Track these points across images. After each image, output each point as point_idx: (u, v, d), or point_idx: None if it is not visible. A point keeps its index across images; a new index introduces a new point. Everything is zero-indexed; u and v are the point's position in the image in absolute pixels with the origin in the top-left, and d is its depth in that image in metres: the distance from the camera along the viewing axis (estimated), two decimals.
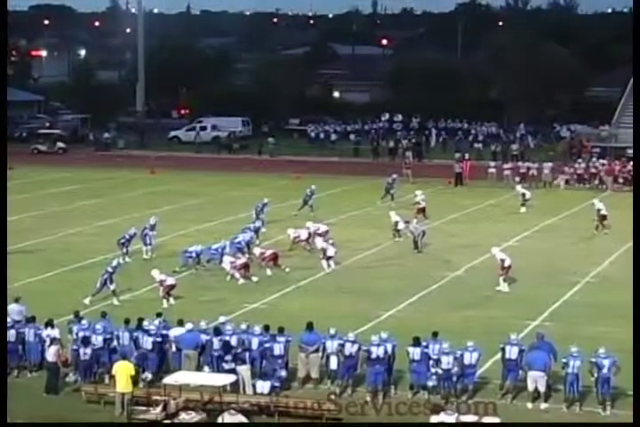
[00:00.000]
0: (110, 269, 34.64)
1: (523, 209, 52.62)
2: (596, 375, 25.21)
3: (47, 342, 27.25)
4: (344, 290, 36.69)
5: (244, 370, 25.92)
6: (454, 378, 25.67)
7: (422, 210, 49.42)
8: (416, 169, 66.66)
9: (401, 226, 44.34)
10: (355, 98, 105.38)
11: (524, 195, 53.13)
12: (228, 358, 26.06)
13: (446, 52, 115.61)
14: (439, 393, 25.81)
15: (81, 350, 26.58)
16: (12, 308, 29.60)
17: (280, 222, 47.69)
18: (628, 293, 35.87)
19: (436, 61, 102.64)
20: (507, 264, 36.57)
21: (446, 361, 25.73)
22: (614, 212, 54.88)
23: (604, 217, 47.85)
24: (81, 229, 47.09)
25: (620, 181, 64.06)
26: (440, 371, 25.77)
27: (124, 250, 40.22)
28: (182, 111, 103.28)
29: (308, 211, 50.21)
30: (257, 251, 39.35)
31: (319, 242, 40.38)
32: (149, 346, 27.02)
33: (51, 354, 26.66)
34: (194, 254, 39.06)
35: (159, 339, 27.20)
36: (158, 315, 28.53)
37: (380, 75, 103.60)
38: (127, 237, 40.40)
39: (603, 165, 66.24)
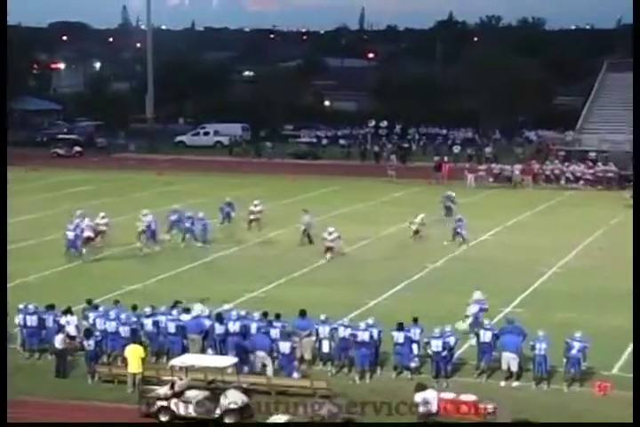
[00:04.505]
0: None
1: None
2: (566, 355, 25.17)
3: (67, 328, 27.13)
4: (335, 281, 36.60)
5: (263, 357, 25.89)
6: (441, 360, 25.69)
7: (416, 232, 44.43)
8: (399, 171, 66.59)
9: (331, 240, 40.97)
10: (343, 106, 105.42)
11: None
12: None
13: (426, 64, 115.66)
14: (421, 373, 25.77)
15: (84, 342, 26.30)
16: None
17: (276, 221, 47.52)
18: (593, 281, 35.99)
19: (417, 73, 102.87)
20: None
21: (435, 344, 25.72)
22: (579, 209, 55.06)
23: None
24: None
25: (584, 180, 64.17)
26: (430, 353, 25.76)
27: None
28: (187, 118, 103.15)
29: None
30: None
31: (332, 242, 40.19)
32: (173, 330, 26.92)
33: (58, 341, 26.44)
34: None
35: (181, 323, 27.09)
36: (177, 302, 28.46)
37: (367, 85, 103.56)
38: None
39: (567, 166, 66.32)
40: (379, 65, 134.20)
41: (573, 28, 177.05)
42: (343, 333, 26.41)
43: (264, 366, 25.85)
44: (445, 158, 69.36)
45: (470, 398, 22.52)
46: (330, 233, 40.01)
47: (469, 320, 28.82)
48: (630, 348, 27.68)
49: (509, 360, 25.51)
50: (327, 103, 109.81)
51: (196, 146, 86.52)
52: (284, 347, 25.79)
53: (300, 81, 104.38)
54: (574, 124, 77.59)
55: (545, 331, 25.70)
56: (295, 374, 25.61)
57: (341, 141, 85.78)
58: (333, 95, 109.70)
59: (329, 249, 39.78)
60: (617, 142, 71.16)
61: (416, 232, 43.73)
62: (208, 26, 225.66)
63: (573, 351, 25.06)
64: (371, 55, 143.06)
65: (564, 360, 25.25)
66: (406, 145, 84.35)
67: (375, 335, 26.14)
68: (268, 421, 22.02)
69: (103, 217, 42.50)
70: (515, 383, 25.37)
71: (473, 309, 29.07)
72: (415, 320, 26.73)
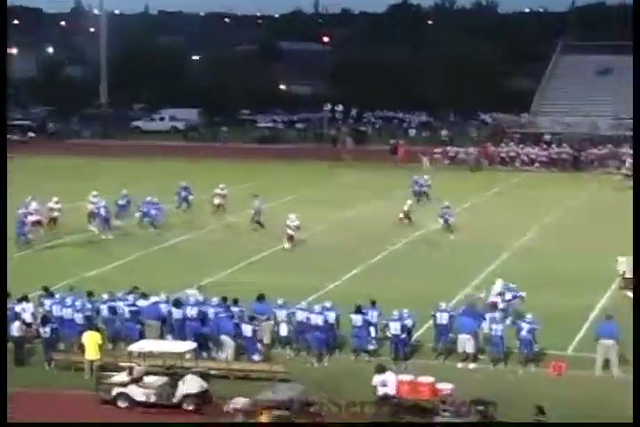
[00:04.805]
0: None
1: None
2: (517, 337, 25.40)
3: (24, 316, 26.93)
4: (293, 265, 36.61)
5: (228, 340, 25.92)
6: (400, 342, 25.84)
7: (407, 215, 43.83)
8: (355, 154, 66.71)
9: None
10: (299, 90, 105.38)
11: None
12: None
13: (381, 48, 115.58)
14: (380, 356, 25.90)
15: (40, 329, 26.14)
16: None
17: (234, 205, 47.41)
18: (549, 262, 36.27)
19: (372, 57, 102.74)
20: None
21: (394, 327, 25.86)
22: (534, 191, 55.50)
23: None
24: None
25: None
26: (389, 335, 25.89)
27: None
28: (142, 103, 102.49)
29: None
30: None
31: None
32: (129, 316, 26.84)
33: (15, 329, 26.17)
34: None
35: (137, 309, 27.01)
36: (135, 288, 28.37)
37: (322, 69, 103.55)
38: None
39: (522, 148, 66.79)
40: (334, 49, 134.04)
41: (527, 10, 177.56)
42: (300, 316, 26.49)
43: (226, 350, 25.87)
44: (401, 141, 69.59)
45: (428, 379, 22.63)
46: (292, 220, 39.69)
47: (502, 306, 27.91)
48: (585, 328, 28.03)
49: (465, 342, 25.69)
50: (283, 87, 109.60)
51: (152, 131, 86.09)
52: (247, 330, 25.83)
53: (256, 65, 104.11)
54: (529, 107, 78.13)
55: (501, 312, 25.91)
56: (257, 357, 25.67)
57: (298, 125, 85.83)
58: (289, 79, 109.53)
59: (290, 238, 39.41)
60: (571, 124, 71.81)
61: (407, 217, 43.31)
62: (162, 9, 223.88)
63: (523, 333, 25.25)
64: (326, 39, 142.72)
65: (517, 342, 25.48)
66: (363, 128, 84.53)
67: (330, 319, 26.21)
68: (228, 405, 22.02)
69: (57, 202, 42.21)
70: (471, 365, 25.56)
71: (507, 296, 28.33)
72: (373, 303, 26.86)
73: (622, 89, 77.17)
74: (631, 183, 54.19)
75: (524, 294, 28.63)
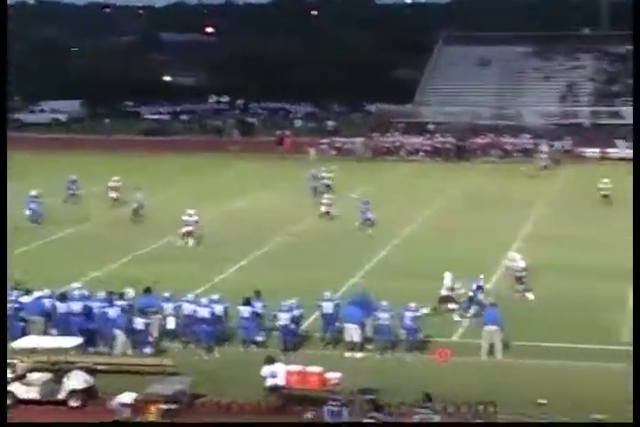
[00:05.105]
0: None
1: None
2: (401, 325, 25.72)
3: None
4: (181, 257, 36.40)
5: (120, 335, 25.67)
6: (289, 333, 25.94)
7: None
8: (242, 145, 66.60)
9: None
10: (183, 82, 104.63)
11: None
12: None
13: (266, 38, 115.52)
14: (268, 347, 25.95)
15: None
16: None
17: (122, 198, 46.86)
18: (433, 251, 36.78)
19: (257, 47, 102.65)
20: None
21: (283, 318, 25.94)
22: (420, 180, 56.20)
23: None
24: None
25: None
26: (278, 326, 25.98)
27: None
28: (23, 95, 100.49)
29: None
30: None
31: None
32: (12, 312, 26.31)
33: None
34: None
35: (18, 305, 26.55)
36: (17, 284, 27.85)
37: (207, 60, 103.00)
38: None
39: (407, 138, 67.60)
40: (218, 40, 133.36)
41: (409, 1, 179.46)
42: (187, 309, 26.37)
43: (118, 344, 25.67)
44: (287, 132, 69.71)
45: (316, 369, 22.79)
46: (190, 215, 39.03)
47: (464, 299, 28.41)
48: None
49: (352, 331, 25.90)
50: (167, 79, 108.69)
51: (33, 123, 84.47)
52: (138, 323, 25.61)
53: (138, 56, 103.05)
54: (413, 97, 79.00)
55: (387, 301, 26.18)
56: (149, 350, 25.51)
57: (183, 117, 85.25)
58: (173, 71, 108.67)
59: (189, 233, 38.62)
60: (453, 114, 72.90)
61: (327, 213, 42.98)
62: None
63: (407, 321, 25.60)
64: (210, 30, 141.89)
65: (402, 330, 25.78)
66: (250, 120, 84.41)
67: (217, 311, 26.18)
68: (115, 400, 21.82)
69: None
70: (358, 354, 25.79)
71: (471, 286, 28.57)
72: (258, 294, 26.87)
73: (502, 79, 78.79)
74: (540, 172, 55.41)
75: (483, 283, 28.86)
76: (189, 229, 38.64)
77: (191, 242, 38.40)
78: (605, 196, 46.64)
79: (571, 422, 20.27)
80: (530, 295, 30.47)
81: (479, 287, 28.82)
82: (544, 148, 61.49)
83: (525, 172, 55.87)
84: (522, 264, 30.96)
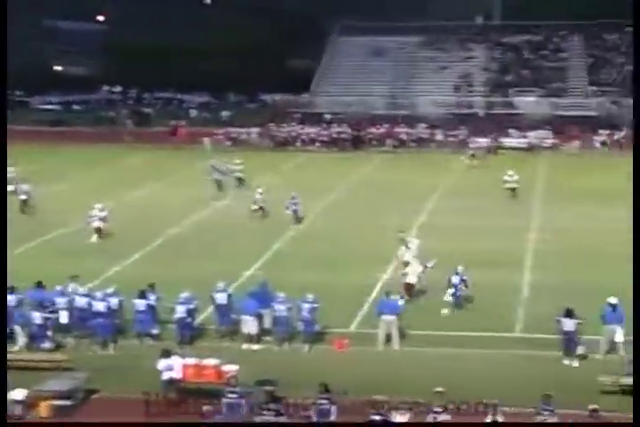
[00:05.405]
0: None
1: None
2: (298, 317, 25.75)
3: None
4: (78, 251, 35.86)
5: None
6: (185, 325, 25.83)
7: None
8: (136, 136, 65.95)
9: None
10: (75, 71, 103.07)
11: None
12: None
13: (159, 27, 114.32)
14: (164, 340, 25.78)
15: None
16: None
17: None
18: (329, 243, 36.96)
19: (150, 36, 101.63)
20: None
21: (179, 310, 25.81)
22: (316, 171, 56.40)
23: None
24: None
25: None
26: (174, 319, 25.84)
27: None
28: None
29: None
30: None
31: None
32: None
33: None
34: None
35: None
36: None
37: (98, 49, 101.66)
38: None
39: (303, 129, 67.78)
40: (110, 28, 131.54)
41: None
42: (81, 303, 26.06)
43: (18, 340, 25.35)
44: (182, 123, 69.29)
45: (212, 362, 22.72)
46: (100, 210, 38.27)
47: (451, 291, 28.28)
48: (366, 306, 28.71)
49: (249, 323, 25.88)
50: (58, 68, 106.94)
51: None
52: (36, 317, 25.24)
53: (26, 44, 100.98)
54: (309, 87, 79.24)
55: (284, 293, 26.23)
56: (47, 345, 25.21)
57: (75, 107, 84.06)
58: (64, 59, 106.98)
59: (98, 230, 37.83)
60: (348, 104, 73.37)
61: (260, 208, 41.78)
62: None
63: (304, 313, 25.65)
64: (101, 18, 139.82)
65: (299, 322, 25.84)
66: (145, 110, 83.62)
67: (113, 305, 25.93)
68: (8, 397, 21.44)
69: None
70: (255, 346, 25.78)
71: (454, 280, 28.37)
72: (152, 287, 26.69)
73: (395, 69, 79.51)
74: (476, 162, 55.52)
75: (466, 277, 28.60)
76: (99, 224, 37.68)
77: (94, 238, 37.63)
78: (512, 189, 44.81)
79: (571, 422, 19.96)
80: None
81: (463, 280, 28.39)
82: (479, 139, 61.90)
83: (467, 163, 55.65)
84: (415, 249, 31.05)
